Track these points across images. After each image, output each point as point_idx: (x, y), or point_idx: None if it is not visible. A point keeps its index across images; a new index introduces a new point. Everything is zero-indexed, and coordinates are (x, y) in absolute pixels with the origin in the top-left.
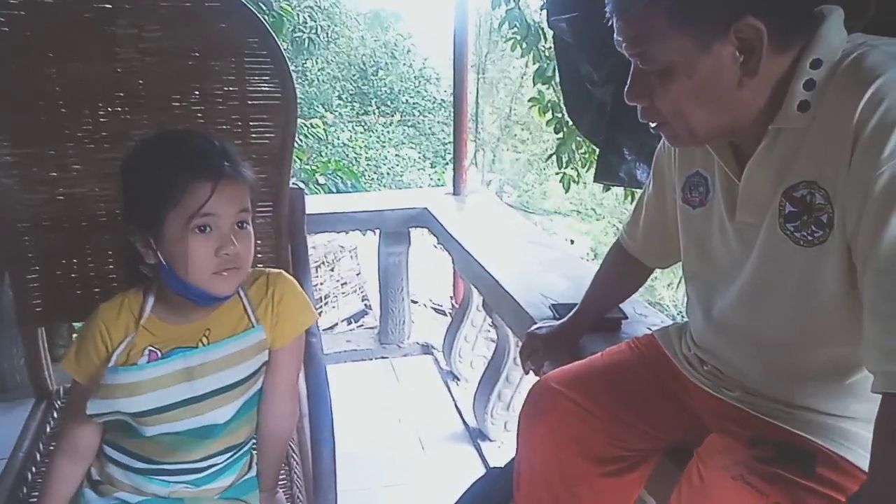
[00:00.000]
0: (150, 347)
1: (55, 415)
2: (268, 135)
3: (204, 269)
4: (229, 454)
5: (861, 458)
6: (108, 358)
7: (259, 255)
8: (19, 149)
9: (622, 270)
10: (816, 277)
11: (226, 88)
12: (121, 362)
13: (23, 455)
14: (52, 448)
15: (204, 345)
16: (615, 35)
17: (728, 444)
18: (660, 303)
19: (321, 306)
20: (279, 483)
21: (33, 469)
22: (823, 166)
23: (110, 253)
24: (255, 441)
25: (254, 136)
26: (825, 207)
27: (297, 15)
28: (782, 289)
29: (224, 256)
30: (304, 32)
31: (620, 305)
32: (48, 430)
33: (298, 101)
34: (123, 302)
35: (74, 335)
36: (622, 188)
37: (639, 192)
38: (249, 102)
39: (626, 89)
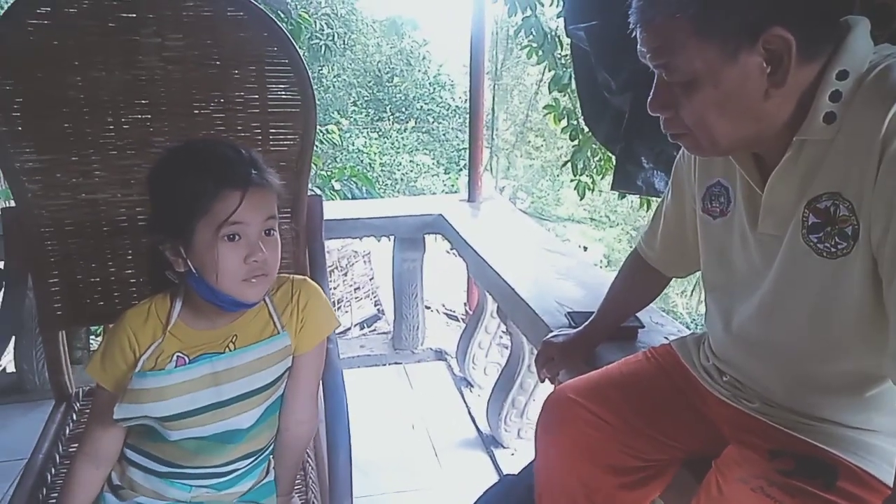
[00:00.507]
0: (179, 353)
1: (74, 417)
2: (287, 142)
3: (234, 276)
4: (250, 459)
5: (884, 471)
6: (136, 363)
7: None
8: (43, 155)
9: (640, 279)
10: (839, 289)
11: (246, 96)
12: (148, 367)
13: (42, 456)
14: (71, 450)
15: (231, 350)
16: (639, 46)
17: (747, 456)
18: (673, 310)
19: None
20: (294, 488)
21: (52, 470)
22: (848, 178)
23: (130, 258)
24: (272, 446)
25: (273, 143)
26: (849, 219)
27: (315, 22)
28: (804, 300)
29: (253, 264)
30: (320, 39)
31: (637, 314)
32: (67, 431)
33: (316, 104)
34: (150, 308)
35: (92, 338)
36: (637, 196)
37: (656, 200)
38: (269, 110)
39: (649, 100)
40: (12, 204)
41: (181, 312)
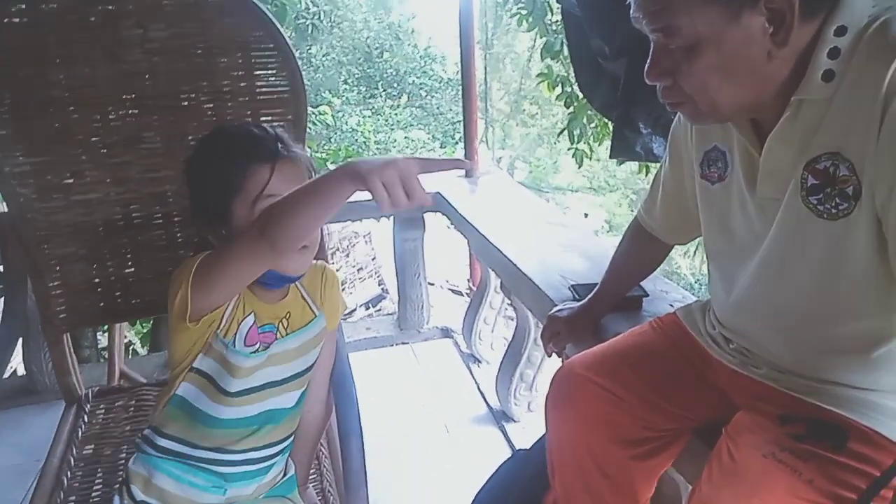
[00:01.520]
0: (252, 313)
1: (86, 418)
2: (278, 129)
3: None
4: (283, 444)
5: (894, 430)
6: (222, 311)
7: None
8: (33, 157)
9: (641, 249)
10: (842, 250)
11: (234, 84)
12: (225, 331)
13: (57, 460)
14: (85, 452)
15: (285, 330)
16: (633, 11)
17: (758, 422)
18: (677, 272)
19: None
20: (309, 477)
21: (69, 473)
22: (848, 137)
23: (129, 256)
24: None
25: None
26: (850, 179)
27: (300, 1)
28: (806, 263)
29: None
30: (307, 18)
31: (641, 283)
32: (80, 434)
33: (306, 89)
34: None
35: (99, 335)
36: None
37: (655, 165)
38: (259, 97)
39: (646, 68)
40: (5, 209)
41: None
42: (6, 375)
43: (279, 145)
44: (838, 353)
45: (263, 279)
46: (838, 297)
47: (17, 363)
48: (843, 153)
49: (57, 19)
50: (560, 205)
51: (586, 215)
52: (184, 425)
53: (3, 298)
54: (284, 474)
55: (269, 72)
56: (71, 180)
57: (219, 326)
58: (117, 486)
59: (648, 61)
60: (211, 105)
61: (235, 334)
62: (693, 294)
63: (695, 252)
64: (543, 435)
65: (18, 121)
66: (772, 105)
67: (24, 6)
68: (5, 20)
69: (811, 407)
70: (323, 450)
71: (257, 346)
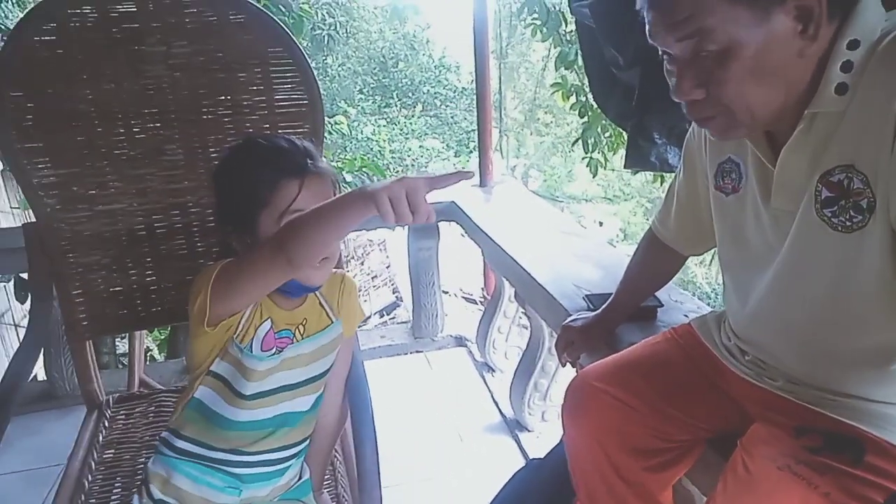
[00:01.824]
0: (269, 319)
1: (106, 423)
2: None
3: None
4: (299, 447)
5: None
6: (239, 317)
7: None
8: (59, 169)
9: (656, 259)
10: (856, 263)
11: (253, 98)
12: (241, 336)
13: (78, 464)
14: (105, 457)
15: (301, 335)
16: (651, 28)
17: (773, 434)
18: (693, 281)
19: None
20: (324, 483)
21: (89, 477)
22: (861, 149)
23: (151, 266)
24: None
25: None
26: (864, 192)
27: (316, 13)
28: (820, 275)
29: None
30: (323, 29)
31: (655, 293)
32: (101, 439)
33: (322, 101)
34: None
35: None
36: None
37: (669, 175)
38: (277, 110)
39: (675, 86)
40: (32, 218)
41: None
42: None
43: (308, 161)
44: (853, 365)
45: (285, 287)
46: (852, 309)
47: (37, 368)
48: (856, 166)
49: (84, 37)
50: (574, 213)
51: (601, 224)
52: (201, 427)
53: (27, 305)
54: (300, 478)
55: (287, 85)
56: (95, 191)
57: (236, 331)
58: (135, 489)
59: (676, 77)
60: (231, 118)
61: (252, 339)
62: (709, 304)
63: (711, 261)
64: (557, 444)
65: (46, 134)
66: (788, 116)
67: (53, 24)
68: (35, 38)
69: (827, 419)
70: (337, 455)
71: (273, 350)
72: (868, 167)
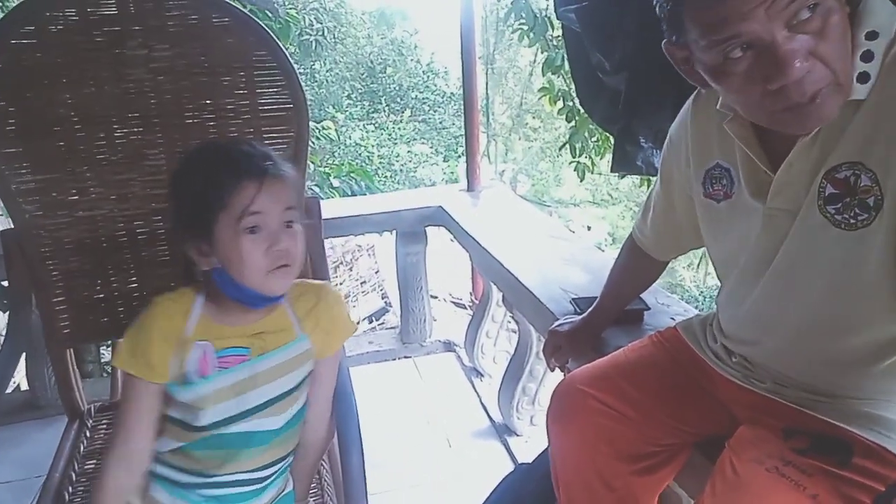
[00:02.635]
0: (200, 343)
1: (88, 434)
2: (281, 145)
3: (258, 268)
4: (278, 465)
5: None
6: (166, 354)
7: None
8: (39, 175)
9: (637, 264)
10: (858, 261)
11: (237, 102)
12: (175, 374)
13: (59, 475)
14: (87, 467)
15: (259, 350)
16: (727, 16)
17: (761, 436)
18: (681, 284)
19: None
20: (310, 492)
21: (70, 489)
22: (872, 147)
23: (133, 272)
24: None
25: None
26: (872, 189)
27: (304, 18)
28: (819, 272)
29: (276, 253)
30: (310, 35)
31: (642, 296)
32: (82, 449)
33: (309, 103)
34: (177, 298)
35: (102, 349)
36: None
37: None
38: (261, 115)
39: (783, 62)
40: (11, 225)
41: (205, 308)
42: (9, 390)
43: (268, 163)
44: (848, 363)
45: (244, 299)
46: (851, 306)
47: (20, 378)
48: (865, 163)
49: (64, 40)
50: (563, 218)
51: (589, 228)
52: (167, 454)
53: (7, 313)
54: (286, 490)
55: (272, 90)
56: (76, 197)
57: (166, 377)
58: None
59: (778, 58)
60: (214, 123)
61: (185, 373)
62: (697, 307)
63: (699, 264)
64: (546, 449)
65: (25, 139)
66: None
67: (32, 27)
68: (13, 41)
69: (816, 420)
70: (324, 463)
71: (214, 371)
72: (878, 165)
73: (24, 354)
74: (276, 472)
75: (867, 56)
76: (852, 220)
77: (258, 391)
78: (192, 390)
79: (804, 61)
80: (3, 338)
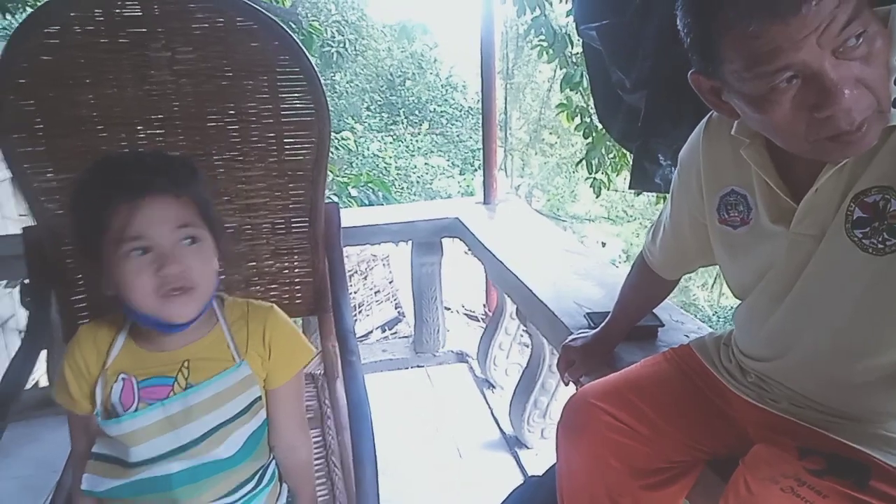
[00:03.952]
0: (123, 374)
1: None
2: (302, 151)
3: (146, 293)
4: (240, 493)
5: None
6: (92, 387)
7: (297, 269)
8: (61, 174)
9: (647, 282)
10: (885, 286)
11: (259, 107)
12: (101, 405)
13: (72, 473)
14: None
15: (185, 379)
16: (777, 46)
17: (776, 454)
18: (694, 303)
19: (355, 315)
20: (322, 498)
21: None
22: None
23: None
24: (273, 472)
25: (288, 152)
26: None
27: (326, 30)
28: (845, 296)
29: (164, 276)
30: (332, 47)
31: (656, 313)
32: None
33: (329, 113)
34: (102, 326)
35: None
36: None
37: None
38: (283, 120)
39: (834, 86)
40: (33, 223)
41: (130, 334)
42: (28, 386)
43: (154, 178)
44: (869, 386)
45: (150, 325)
46: (874, 329)
47: (39, 375)
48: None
49: (87, 40)
50: (577, 233)
51: (604, 244)
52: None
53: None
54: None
55: (294, 95)
56: None
57: (91, 409)
58: None
59: (827, 86)
60: (236, 126)
61: (110, 405)
62: (710, 327)
63: (713, 284)
64: (556, 462)
65: (48, 138)
66: None
67: (57, 28)
68: (38, 41)
69: (832, 442)
70: (336, 470)
71: (134, 405)
72: None
73: (44, 352)
74: (248, 492)
75: None
76: (880, 245)
77: (194, 424)
78: (119, 425)
79: (853, 89)
80: (23, 334)
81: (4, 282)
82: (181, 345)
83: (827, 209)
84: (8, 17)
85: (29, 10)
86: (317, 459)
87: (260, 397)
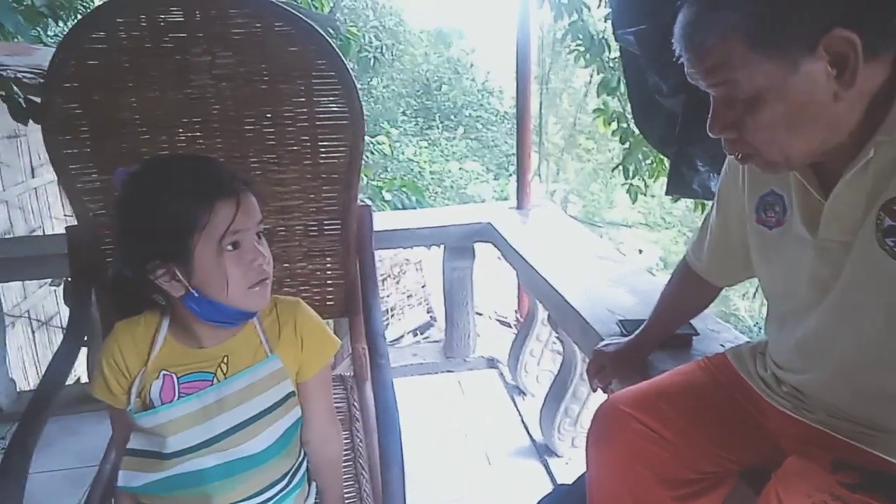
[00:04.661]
0: (165, 371)
1: None
2: (336, 154)
3: (241, 285)
4: (275, 490)
5: None
6: (130, 384)
7: (329, 272)
8: (103, 175)
9: (690, 289)
10: None
11: (295, 110)
12: (140, 398)
13: (110, 466)
14: None
15: (223, 374)
16: (687, 68)
17: (809, 468)
18: (735, 314)
19: (387, 318)
20: (349, 500)
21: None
22: None
23: None
24: (303, 473)
25: (323, 155)
26: None
27: (363, 35)
28: (878, 307)
29: (257, 267)
30: (369, 52)
31: (692, 321)
32: None
33: (364, 118)
34: (141, 322)
35: None
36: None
37: (709, 203)
38: (318, 123)
39: (709, 123)
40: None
41: (170, 332)
42: (69, 382)
43: (235, 180)
44: None
45: (220, 318)
46: None
47: (80, 371)
48: None
49: (132, 45)
50: (614, 240)
51: (641, 251)
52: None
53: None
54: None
55: (330, 98)
56: None
57: (128, 403)
58: None
59: (710, 115)
60: (272, 130)
61: (149, 399)
62: (750, 337)
63: (754, 294)
64: (585, 470)
65: (92, 140)
66: (845, 148)
67: (103, 33)
68: (86, 46)
69: (867, 455)
70: (364, 473)
71: (175, 398)
72: None
73: (84, 349)
74: (275, 496)
75: None
76: None
77: (227, 415)
78: (155, 416)
79: (726, 129)
80: (64, 332)
81: (49, 280)
82: (220, 340)
83: (853, 217)
84: (60, 24)
85: (79, 16)
86: (345, 461)
87: (293, 392)
